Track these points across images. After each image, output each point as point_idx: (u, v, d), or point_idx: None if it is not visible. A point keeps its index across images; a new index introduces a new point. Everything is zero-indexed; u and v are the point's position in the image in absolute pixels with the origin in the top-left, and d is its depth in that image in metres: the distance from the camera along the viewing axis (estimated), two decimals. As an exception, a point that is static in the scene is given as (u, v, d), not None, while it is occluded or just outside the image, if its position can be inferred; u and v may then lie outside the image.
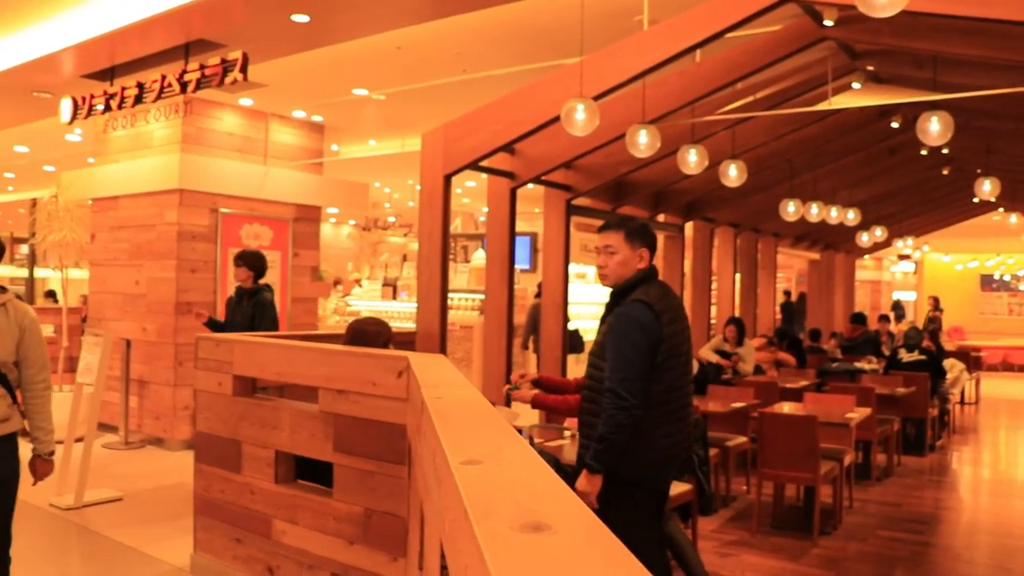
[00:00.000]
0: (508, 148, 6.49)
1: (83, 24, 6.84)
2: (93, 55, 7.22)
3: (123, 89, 7.23)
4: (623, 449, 3.42)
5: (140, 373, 8.44)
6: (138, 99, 7.08)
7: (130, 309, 8.58)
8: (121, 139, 8.97)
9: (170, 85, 6.75)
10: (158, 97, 6.92)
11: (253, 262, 6.72)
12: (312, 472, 4.32)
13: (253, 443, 4.40)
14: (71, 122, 7.88)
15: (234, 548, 4.57)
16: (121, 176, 8.69)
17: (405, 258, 17.65)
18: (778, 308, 17.65)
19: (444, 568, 1.81)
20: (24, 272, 21.21)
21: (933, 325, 18.47)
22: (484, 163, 6.60)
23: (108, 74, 7.58)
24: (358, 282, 16.49)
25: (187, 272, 8.14)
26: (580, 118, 5.13)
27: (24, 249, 22.65)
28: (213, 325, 6.76)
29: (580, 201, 8.13)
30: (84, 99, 7.62)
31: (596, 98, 5.31)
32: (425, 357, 3.68)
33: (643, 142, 5.88)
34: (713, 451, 6.09)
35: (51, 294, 15.74)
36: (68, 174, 9.29)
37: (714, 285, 12.19)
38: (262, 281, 6.74)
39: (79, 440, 6.34)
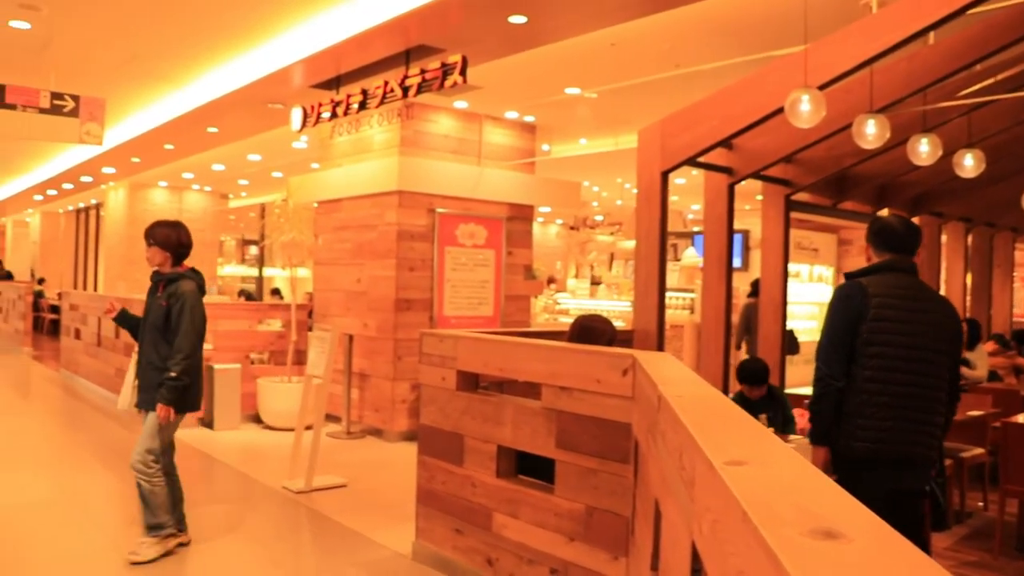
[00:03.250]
0: (726, 143, 6.31)
1: (311, 39, 7.23)
2: (320, 66, 7.62)
3: (348, 97, 7.58)
4: (828, 422, 3.67)
5: (361, 367, 8.82)
6: (362, 105, 7.40)
7: (352, 306, 8.98)
8: (343, 144, 9.41)
9: (392, 90, 7.01)
10: (381, 102, 7.20)
11: (165, 239, 5.01)
12: (530, 467, 4.36)
13: (475, 437, 4.48)
14: (300, 130, 8.35)
15: (454, 538, 4.67)
16: (344, 179, 9.10)
17: (612, 256, 17.64)
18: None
19: (696, 571, 1.75)
20: (254, 271, 22.71)
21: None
22: (701, 159, 6.45)
23: (334, 83, 7.98)
24: (603, 285, 16.25)
25: (406, 270, 8.43)
26: (805, 109, 4.92)
27: (253, 250, 24.26)
28: (125, 321, 5.36)
29: (799, 196, 7.82)
30: (312, 108, 8.05)
31: (821, 87, 5.07)
32: (652, 355, 3.62)
33: (871, 132, 5.57)
34: (947, 462, 5.69)
35: (276, 292, 16.72)
36: (296, 179, 9.83)
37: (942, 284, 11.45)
38: (187, 264, 5.17)
39: (308, 428, 6.69)
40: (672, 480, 2.04)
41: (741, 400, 5.46)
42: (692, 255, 14.02)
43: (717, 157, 6.77)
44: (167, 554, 4.92)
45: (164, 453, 5.09)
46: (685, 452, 1.83)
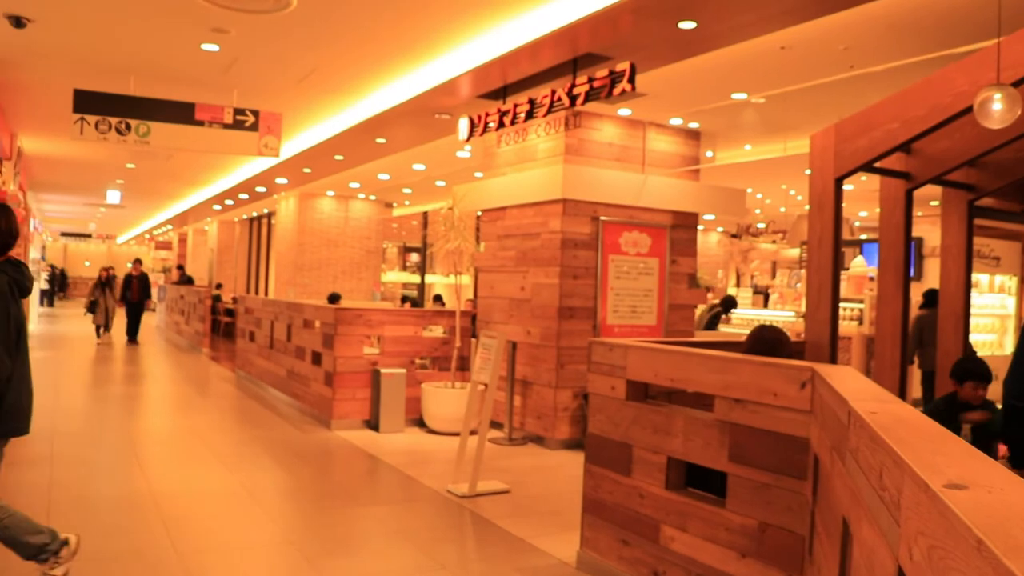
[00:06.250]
0: (905, 147, 6.04)
1: (479, 50, 7.35)
2: (488, 77, 7.74)
3: (515, 106, 7.67)
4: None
5: (524, 374, 8.89)
6: (529, 114, 7.48)
7: (515, 313, 9.07)
8: (507, 153, 9.52)
9: (560, 99, 7.05)
10: (548, 111, 7.25)
11: None
12: (697, 478, 4.28)
13: (644, 448, 4.44)
14: (467, 139, 8.51)
15: (620, 549, 4.63)
16: (508, 188, 9.21)
17: (775, 265, 17.18)
18: None
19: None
20: (415, 278, 23.28)
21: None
22: (876, 164, 6.19)
23: (501, 93, 8.09)
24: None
25: (569, 278, 8.44)
26: (997, 109, 4.63)
27: (414, 257, 24.88)
28: None
29: (983, 202, 7.40)
30: (479, 117, 8.19)
31: (1015, 84, 4.78)
32: (834, 368, 3.49)
33: (1070, 133, 5.22)
34: None
35: (438, 298, 17.04)
36: (461, 187, 10.01)
37: None
38: (12, 254, 4.31)
39: (473, 433, 6.79)
40: (868, 500, 1.96)
41: (952, 404, 5.24)
42: (861, 264, 13.53)
43: (894, 162, 6.50)
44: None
45: None
46: (886, 471, 1.75)
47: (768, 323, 5.26)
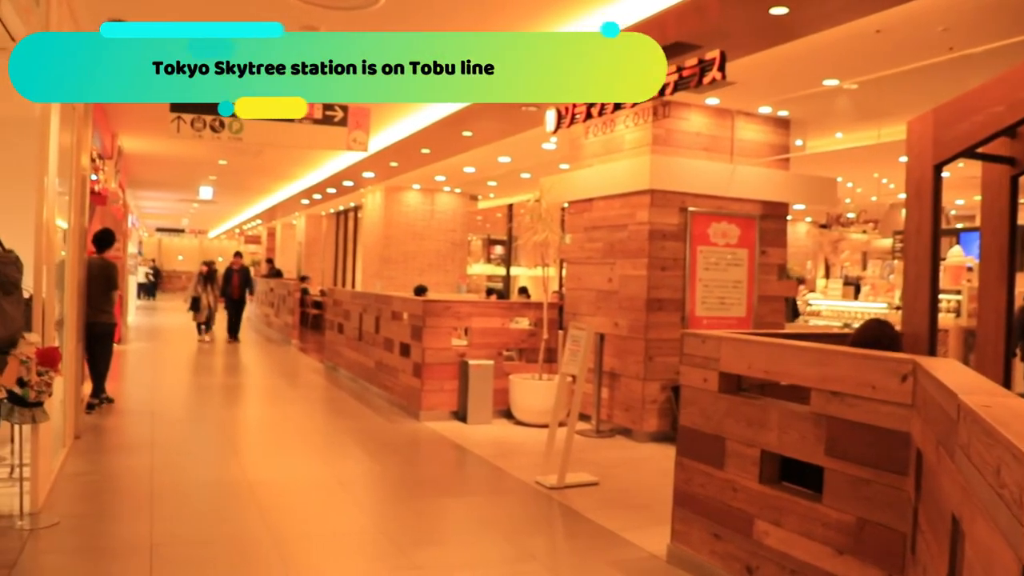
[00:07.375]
0: (1011, 131, 5.82)
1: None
2: (574, 67, 7.68)
3: (602, 96, 7.62)
4: None
5: (611, 366, 8.85)
6: (617, 105, 7.42)
7: (603, 305, 9.03)
8: (594, 144, 9.47)
9: (648, 89, 6.98)
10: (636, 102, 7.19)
11: None
12: (790, 472, 4.21)
13: (738, 441, 4.38)
14: (555, 131, 8.49)
15: (712, 543, 4.58)
16: (595, 179, 9.16)
17: (866, 256, 16.74)
18: None
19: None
20: (500, 270, 23.36)
21: None
22: (978, 149, 5.98)
23: (589, 83, 8.04)
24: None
25: (657, 270, 8.37)
26: (1111, 90, 4.44)
27: (498, 250, 24.98)
28: None
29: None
30: (567, 109, 8.16)
31: None
32: (937, 361, 3.39)
33: None
34: None
35: (523, 290, 17.06)
36: (548, 179, 10.00)
37: None
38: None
39: (561, 425, 6.79)
40: (983, 498, 1.90)
41: None
42: (958, 254, 13.10)
43: (998, 147, 6.25)
44: None
45: None
46: (1005, 468, 1.69)
47: (882, 318, 5.12)
